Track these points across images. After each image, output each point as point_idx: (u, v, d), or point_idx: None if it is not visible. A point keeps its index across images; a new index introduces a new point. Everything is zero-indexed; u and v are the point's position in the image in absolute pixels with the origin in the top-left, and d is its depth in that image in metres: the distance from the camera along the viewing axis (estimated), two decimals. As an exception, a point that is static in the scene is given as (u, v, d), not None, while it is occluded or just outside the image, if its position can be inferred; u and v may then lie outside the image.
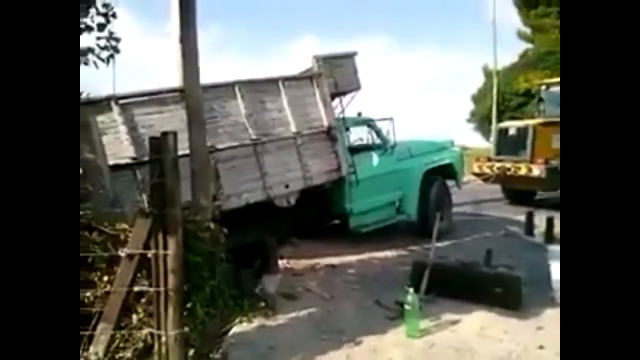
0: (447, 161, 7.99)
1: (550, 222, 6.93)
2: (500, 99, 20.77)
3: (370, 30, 58.05)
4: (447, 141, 8.80)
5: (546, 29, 23.20)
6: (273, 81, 5.59)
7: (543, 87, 11.74)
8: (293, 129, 5.60)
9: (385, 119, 7.21)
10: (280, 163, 5.44)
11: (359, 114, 7.29)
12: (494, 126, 20.20)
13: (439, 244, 5.56)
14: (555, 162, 9.08)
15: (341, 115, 6.46)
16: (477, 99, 24.32)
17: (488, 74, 22.95)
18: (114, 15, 4.12)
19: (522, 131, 10.20)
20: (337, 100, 6.48)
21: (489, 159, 10.62)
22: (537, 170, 9.34)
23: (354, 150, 6.83)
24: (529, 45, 24.39)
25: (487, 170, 10.33)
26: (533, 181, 9.58)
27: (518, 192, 10.61)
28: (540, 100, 11.95)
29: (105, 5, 4.00)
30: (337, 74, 6.19)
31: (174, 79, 6.17)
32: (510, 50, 29.03)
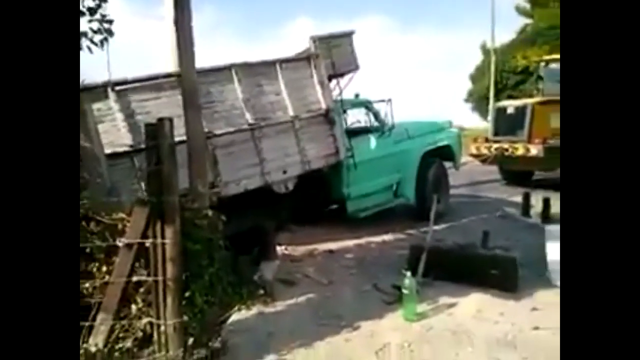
0: (445, 142, 7.91)
1: (546, 202, 6.94)
2: (499, 77, 20.58)
3: (366, 11, 57.14)
4: (445, 122, 8.70)
5: (546, 3, 22.90)
6: (270, 64, 5.48)
7: (542, 64, 11.58)
8: (291, 112, 5.52)
9: (383, 101, 7.11)
10: (278, 148, 5.38)
11: (357, 96, 7.17)
12: (491, 106, 20.22)
13: (436, 227, 5.58)
14: (554, 142, 9.03)
15: (339, 97, 6.36)
16: (475, 78, 24.14)
17: (486, 52, 22.72)
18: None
19: (520, 110, 10.04)
20: (334, 81, 6.37)
21: (487, 140, 10.51)
22: (535, 150, 9.26)
23: (352, 132, 6.73)
24: (528, 21, 24.09)
25: (485, 151, 10.23)
26: (531, 161, 9.50)
27: (516, 172, 10.55)
28: (539, 78, 11.81)
29: None
30: (334, 54, 6.07)
31: (167, 62, 6.11)
32: (509, 27, 28.79)
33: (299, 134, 5.56)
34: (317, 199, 6.65)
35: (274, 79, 5.45)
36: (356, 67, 6.44)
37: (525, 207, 7.43)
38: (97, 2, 4.09)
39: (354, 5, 57.64)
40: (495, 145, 10.02)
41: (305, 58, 5.84)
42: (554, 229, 5.87)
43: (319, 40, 5.92)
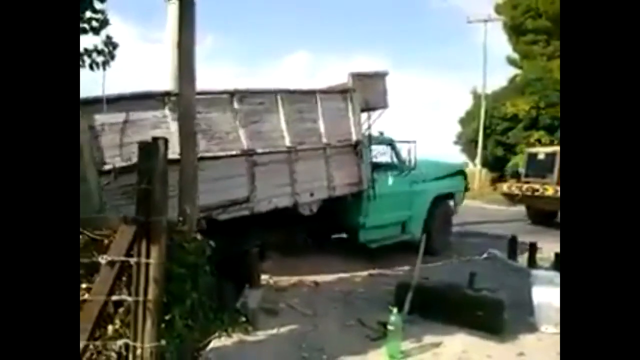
0: (454, 189, 8.35)
1: (533, 246, 6.97)
2: (488, 123, 21.00)
3: (362, 50, 58.78)
4: (460, 164, 9.54)
5: (534, 56, 23.72)
6: (311, 93, 5.83)
7: None
8: (324, 140, 5.82)
9: (407, 141, 7.39)
10: (309, 171, 5.62)
11: (381, 133, 7.40)
12: (479, 150, 20.66)
13: (430, 265, 5.55)
14: None
15: (367, 132, 6.66)
16: (465, 121, 24.53)
17: (477, 97, 23.22)
18: (107, 22, 4.08)
19: (549, 156, 11.36)
20: (365, 115, 6.68)
21: (519, 181, 11.89)
22: None
23: (374, 166, 6.90)
24: (518, 71, 24.80)
25: (516, 191, 11.53)
26: (559, 202, 10.08)
27: (542, 212, 11.54)
28: None
29: (100, 11, 3.97)
30: (368, 91, 6.45)
31: (164, 84, 6.15)
32: (500, 74, 29.66)
33: (328, 161, 5.84)
34: (330, 225, 6.77)
35: (313, 108, 5.76)
36: (385, 106, 6.80)
37: (512, 250, 7.44)
38: (100, 23, 4.12)
39: (351, 43, 59.42)
40: (526, 186, 11.31)
41: (342, 91, 6.18)
42: (541, 273, 5.85)
43: (356, 76, 6.28)
